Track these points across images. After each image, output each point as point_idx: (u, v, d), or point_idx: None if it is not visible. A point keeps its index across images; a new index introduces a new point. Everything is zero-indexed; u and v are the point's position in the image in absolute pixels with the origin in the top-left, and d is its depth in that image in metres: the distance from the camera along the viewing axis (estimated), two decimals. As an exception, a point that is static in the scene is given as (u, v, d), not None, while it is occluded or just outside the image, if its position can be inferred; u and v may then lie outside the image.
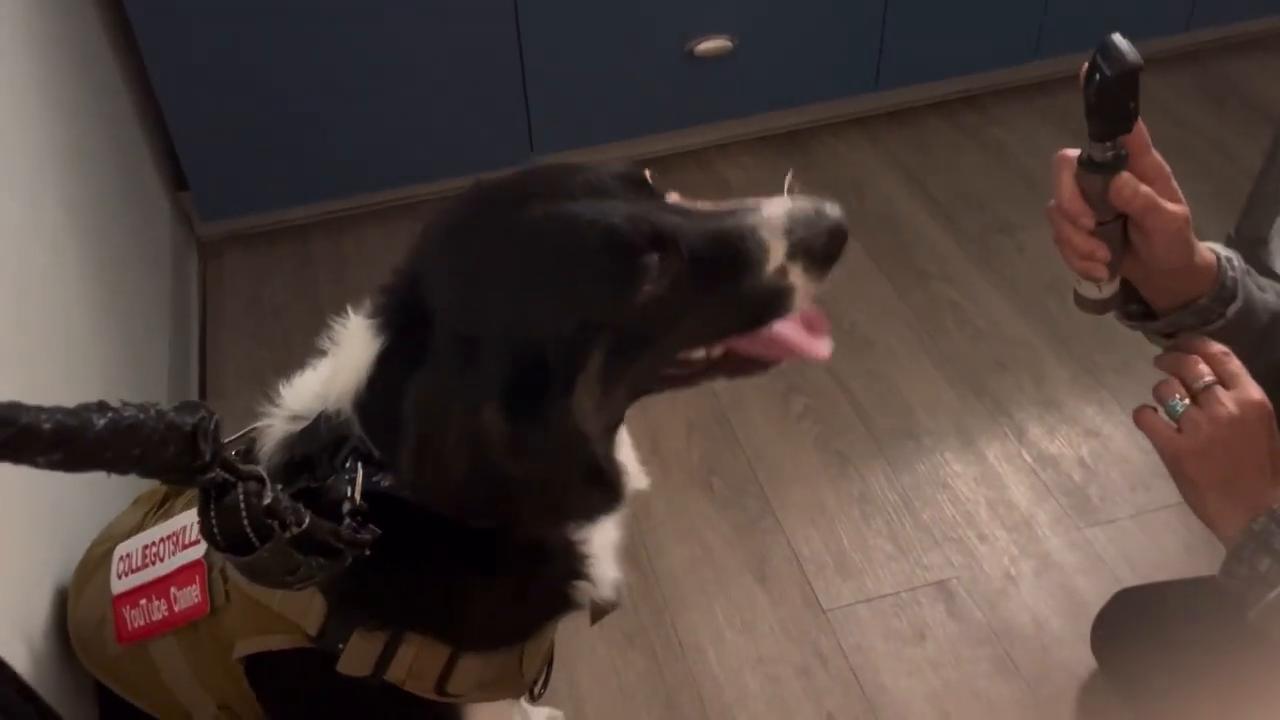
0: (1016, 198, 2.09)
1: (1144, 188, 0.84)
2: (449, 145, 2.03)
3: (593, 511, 0.79)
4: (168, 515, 0.90)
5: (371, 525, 0.68)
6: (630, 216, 0.71)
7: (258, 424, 0.81)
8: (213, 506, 0.60)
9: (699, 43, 2.02)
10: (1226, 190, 1.95)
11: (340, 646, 0.78)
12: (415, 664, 0.79)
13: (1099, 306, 0.94)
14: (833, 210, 0.75)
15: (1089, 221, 0.86)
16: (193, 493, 0.82)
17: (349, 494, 0.70)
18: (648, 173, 0.77)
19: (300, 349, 2.00)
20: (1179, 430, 0.86)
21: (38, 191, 1.26)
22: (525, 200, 0.73)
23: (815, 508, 1.54)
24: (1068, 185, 0.87)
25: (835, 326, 1.82)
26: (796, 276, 0.73)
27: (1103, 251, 0.87)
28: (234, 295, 1.96)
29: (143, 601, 0.85)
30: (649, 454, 1.62)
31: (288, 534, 0.62)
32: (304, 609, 0.78)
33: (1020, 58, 2.29)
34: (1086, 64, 0.81)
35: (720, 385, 1.71)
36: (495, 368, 0.68)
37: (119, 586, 0.86)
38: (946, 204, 2.08)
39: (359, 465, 0.72)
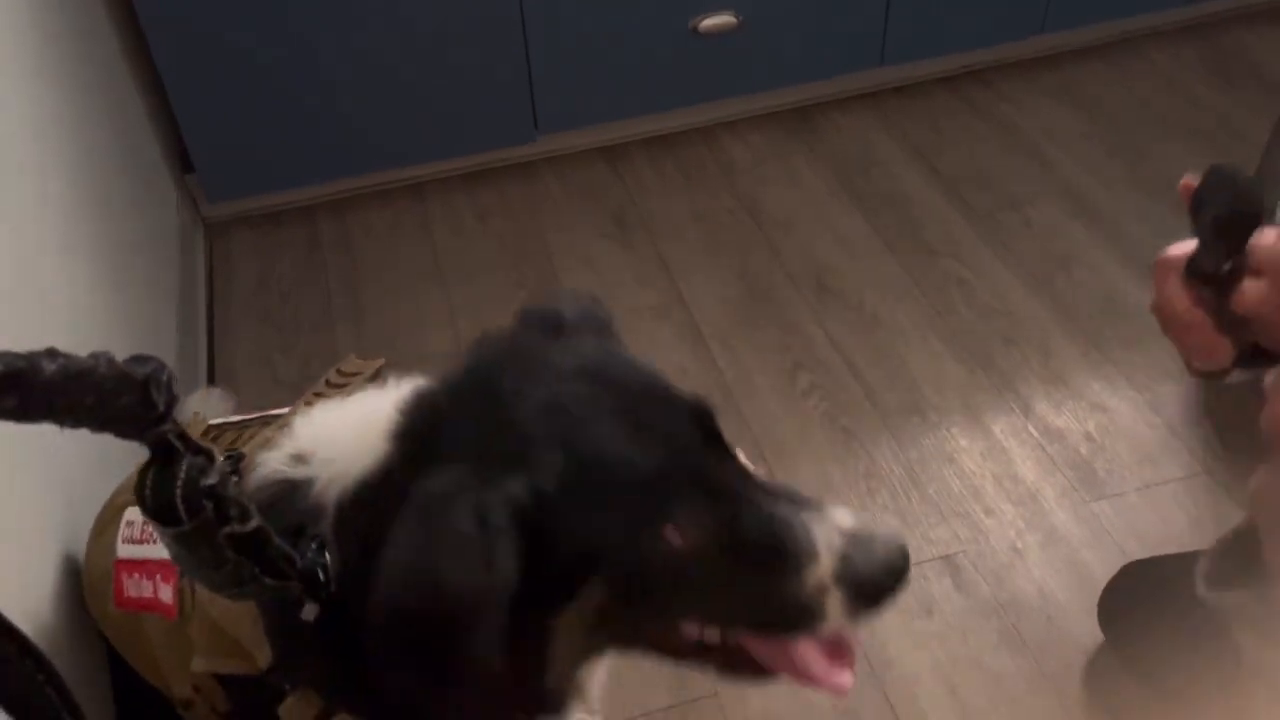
0: (1024, 173, 2.08)
1: (1265, 286, 0.75)
2: (454, 124, 2.03)
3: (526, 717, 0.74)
4: None
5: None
6: (683, 458, 0.66)
7: (274, 415, 0.80)
8: (153, 468, 0.58)
9: (703, 19, 2.01)
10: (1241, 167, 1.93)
11: (286, 688, 0.75)
12: None
13: (1219, 375, 0.90)
14: (898, 549, 0.68)
15: (1209, 328, 0.79)
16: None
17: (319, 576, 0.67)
18: (713, 411, 0.72)
19: (308, 329, 2.01)
20: None
21: (44, 177, 1.27)
22: (583, 376, 0.68)
23: (822, 483, 1.55)
24: (1178, 294, 0.80)
25: (841, 303, 1.83)
26: (834, 605, 0.67)
27: (1225, 347, 0.80)
28: (241, 277, 1.96)
29: (136, 575, 0.84)
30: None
31: (227, 529, 0.59)
32: (258, 642, 0.76)
33: (1027, 31, 2.27)
34: (1191, 183, 0.75)
35: (726, 361, 1.73)
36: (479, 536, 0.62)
37: (122, 551, 0.86)
38: (954, 180, 2.07)
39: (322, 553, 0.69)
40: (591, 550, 0.64)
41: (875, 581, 0.67)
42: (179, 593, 0.81)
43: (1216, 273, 0.77)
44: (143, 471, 0.58)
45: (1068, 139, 2.16)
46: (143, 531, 0.85)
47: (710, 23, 2.01)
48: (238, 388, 1.74)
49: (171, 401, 0.55)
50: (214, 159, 1.95)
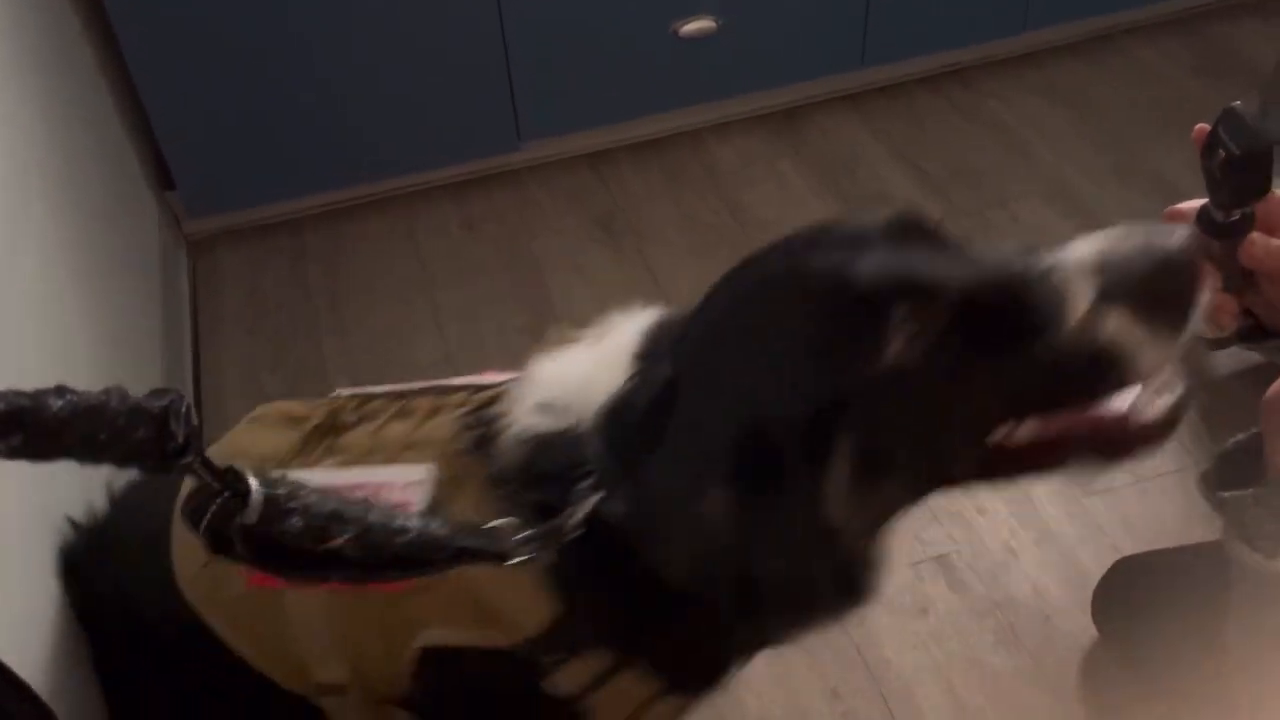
0: (1010, 171, 2.08)
1: (1275, 242, 0.76)
2: (436, 134, 2.03)
3: (835, 614, 0.70)
4: (336, 450, 0.83)
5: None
6: (873, 264, 0.61)
7: (504, 384, 0.78)
8: (193, 499, 0.58)
9: (683, 24, 2.00)
10: (1219, 156, 1.94)
11: (550, 658, 0.72)
12: (624, 694, 0.74)
13: (1221, 344, 0.89)
14: (1166, 239, 0.61)
15: (1215, 283, 0.77)
16: (380, 424, 0.82)
17: (571, 526, 0.66)
18: (928, 217, 0.68)
19: (295, 344, 2.00)
20: None
21: (23, 199, 1.25)
22: (770, 259, 0.68)
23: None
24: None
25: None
26: (1126, 331, 0.59)
27: (1230, 305, 0.80)
28: (226, 292, 1.95)
29: None
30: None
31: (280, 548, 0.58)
32: (526, 607, 0.72)
33: (1009, 29, 2.28)
34: (1204, 129, 0.75)
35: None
36: (724, 451, 0.62)
37: None
38: (940, 179, 2.07)
39: (589, 500, 0.67)
40: (820, 404, 0.60)
41: (1155, 284, 0.59)
42: None
43: (1226, 222, 0.76)
44: (186, 500, 0.58)
45: (1053, 135, 2.16)
46: None
47: (690, 28, 2.01)
48: (225, 404, 1.73)
49: (192, 433, 0.54)
50: (195, 175, 1.94)
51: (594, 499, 0.67)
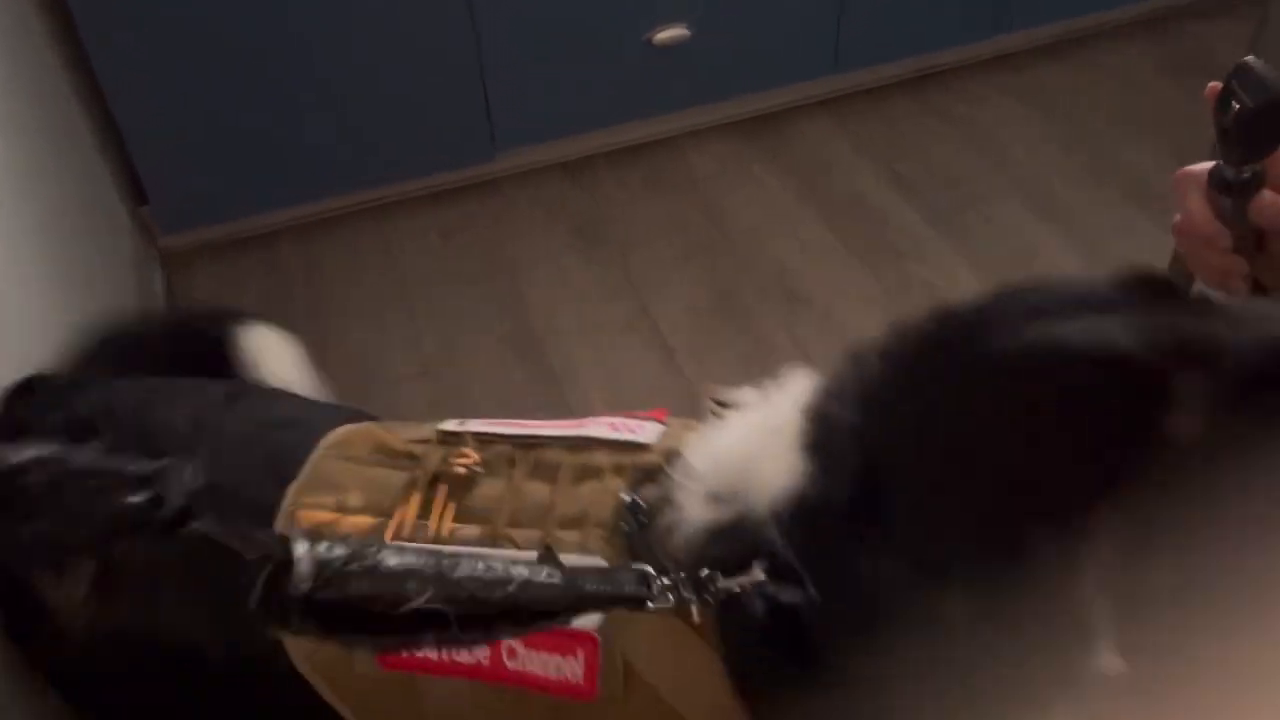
0: (984, 172, 2.09)
1: None
2: (411, 145, 2.02)
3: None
4: (467, 510, 0.74)
5: None
6: (1140, 327, 0.54)
7: (656, 451, 0.73)
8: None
9: (656, 32, 2.00)
10: (1190, 157, 1.93)
11: None
12: None
13: None
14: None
15: (1227, 242, 0.78)
16: (514, 480, 0.74)
17: (760, 618, 0.61)
18: (1158, 271, 0.63)
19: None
20: None
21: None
22: (993, 326, 0.59)
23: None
24: (1200, 206, 0.79)
25: (807, 309, 1.83)
26: None
27: (1241, 266, 0.80)
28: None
29: (515, 647, 0.70)
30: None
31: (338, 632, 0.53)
32: (710, 715, 0.66)
33: (981, 33, 2.29)
34: (1217, 86, 0.74)
35: (694, 371, 1.72)
36: (971, 568, 0.55)
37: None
38: (915, 182, 2.08)
39: (759, 572, 0.62)
40: (1081, 505, 0.52)
41: None
42: (599, 668, 0.68)
43: (1238, 179, 0.75)
44: (241, 572, 0.53)
45: (1025, 136, 2.17)
46: None
47: (663, 36, 2.01)
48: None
49: (195, 498, 0.49)
50: (168, 190, 1.92)
51: (760, 570, 0.63)
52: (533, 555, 0.63)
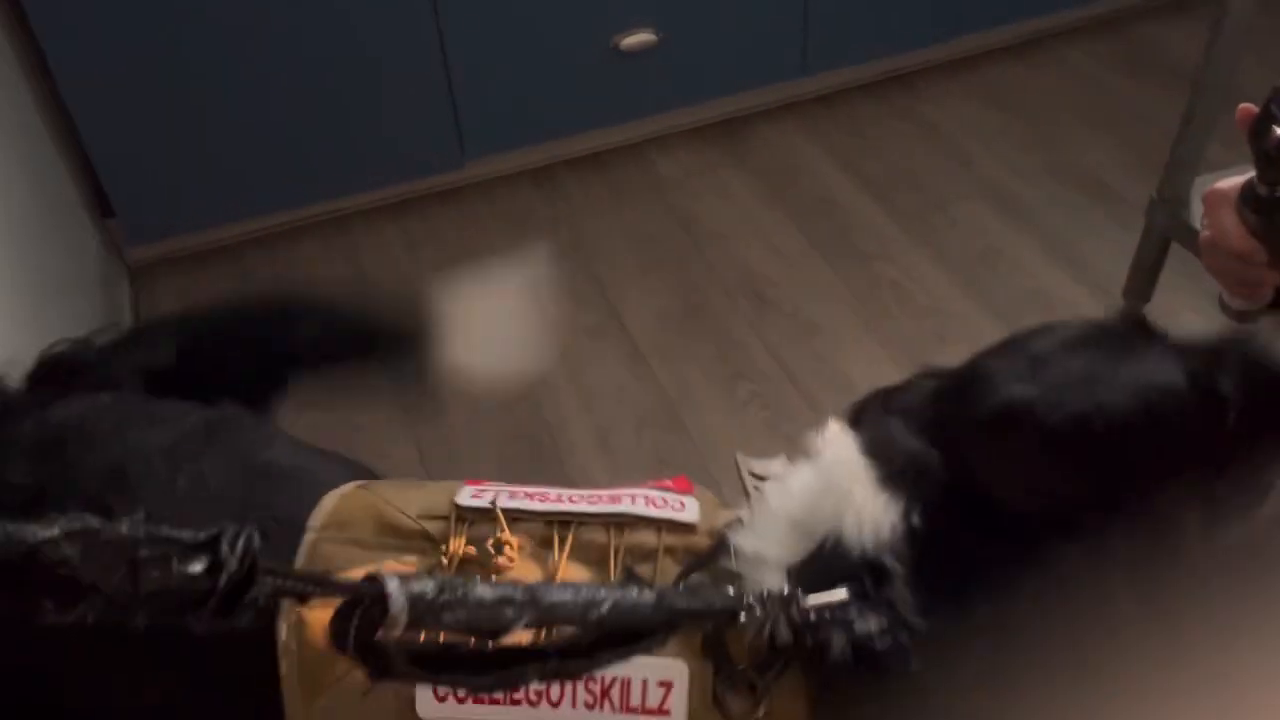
0: (948, 173, 2.11)
1: None
2: (380, 154, 2.01)
3: None
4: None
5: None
6: (1189, 357, 0.68)
7: (704, 523, 0.73)
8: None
9: (624, 37, 2.01)
10: (1150, 155, 1.98)
11: None
12: None
13: (1249, 316, 0.91)
14: None
15: (1263, 256, 0.80)
16: (557, 565, 0.70)
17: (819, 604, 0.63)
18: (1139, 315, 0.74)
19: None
20: None
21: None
22: (1089, 358, 0.70)
23: (768, 493, 1.55)
24: (1234, 223, 0.81)
25: (777, 312, 1.84)
26: None
27: (1272, 281, 0.83)
28: (169, 320, 1.92)
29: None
30: (597, 452, 1.62)
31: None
32: None
33: (942, 35, 2.31)
34: (1249, 109, 0.77)
35: (666, 376, 1.73)
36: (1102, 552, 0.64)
37: (453, 713, 0.67)
38: (881, 184, 2.10)
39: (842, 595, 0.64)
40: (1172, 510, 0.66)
41: None
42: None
43: (1272, 197, 0.77)
44: (329, 627, 0.50)
45: (989, 137, 2.19)
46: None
47: (630, 41, 2.02)
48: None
49: (253, 558, 0.44)
50: (134, 202, 1.91)
51: (846, 590, 0.64)
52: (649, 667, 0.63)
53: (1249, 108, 0.77)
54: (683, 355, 1.78)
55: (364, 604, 0.48)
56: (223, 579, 0.43)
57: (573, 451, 1.63)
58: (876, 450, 0.69)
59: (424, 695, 0.65)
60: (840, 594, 0.63)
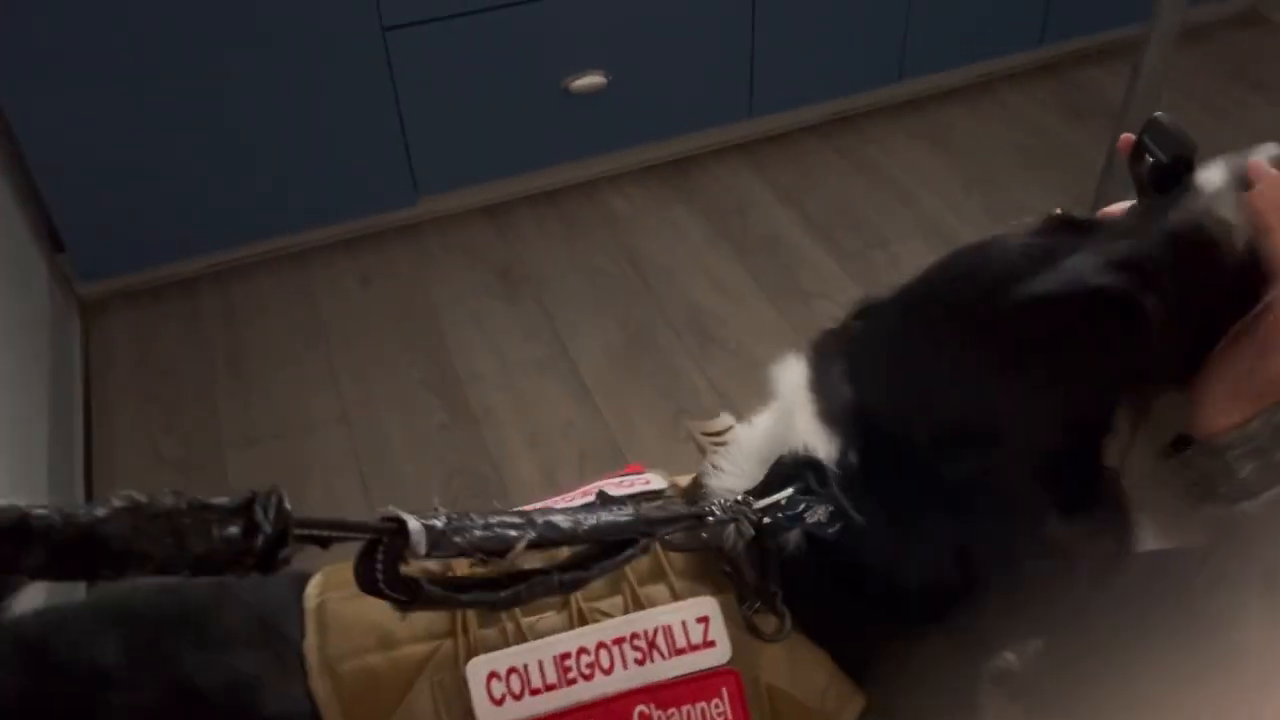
0: (890, 212, 2.16)
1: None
2: (333, 190, 2.04)
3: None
4: (544, 602, 0.69)
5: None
6: (1097, 262, 0.67)
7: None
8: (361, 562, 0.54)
9: (574, 79, 2.06)
10: (1086, 193, 2.05)
11: None
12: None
13: None
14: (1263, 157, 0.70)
15: None
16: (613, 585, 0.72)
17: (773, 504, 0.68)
18: (1060, 210, 0.74)
19: (191, 406, 1.97)
20: None
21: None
22: (986, 286, 0.70)
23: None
24: None
25: (720, 349, 1.88)
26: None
27: None
28: (120, 355, 1.93)
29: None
30: (542, 488, 1.64)
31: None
32: (839, 708, 0.70)
33: (887, 79, 2.38)
34: (1130, 137, 0.82)
35: (611, 411, 1.76)
36: (1030, 481, 0.66)
37: (516, 712, 0.66)
38: (825, 223, 2.15)
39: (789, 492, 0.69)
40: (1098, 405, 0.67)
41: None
42: (744, 698, 0.68)
43: None
44: (355, 572, 0.54)
45: (930, 178, 2.25)
46: (561, 672, 0.67)
47: (580, 83, 2.06)
48: (117, 470, 1.71)
49: (286, 520, 0.48)
50: (85, 236, 1.92)
51: (793, 490, 0.69)
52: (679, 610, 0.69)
53: (1129, 137, 0.83)
54: (628, 390, 1.81)
55: (385, 540, 0.53)
56: (259, 540, 0.47)
57: (518, 486, 1.65)
58: (816, 388, 0.74)
59: (482, 703, 0.65)
60: (786, 492, 0.69)
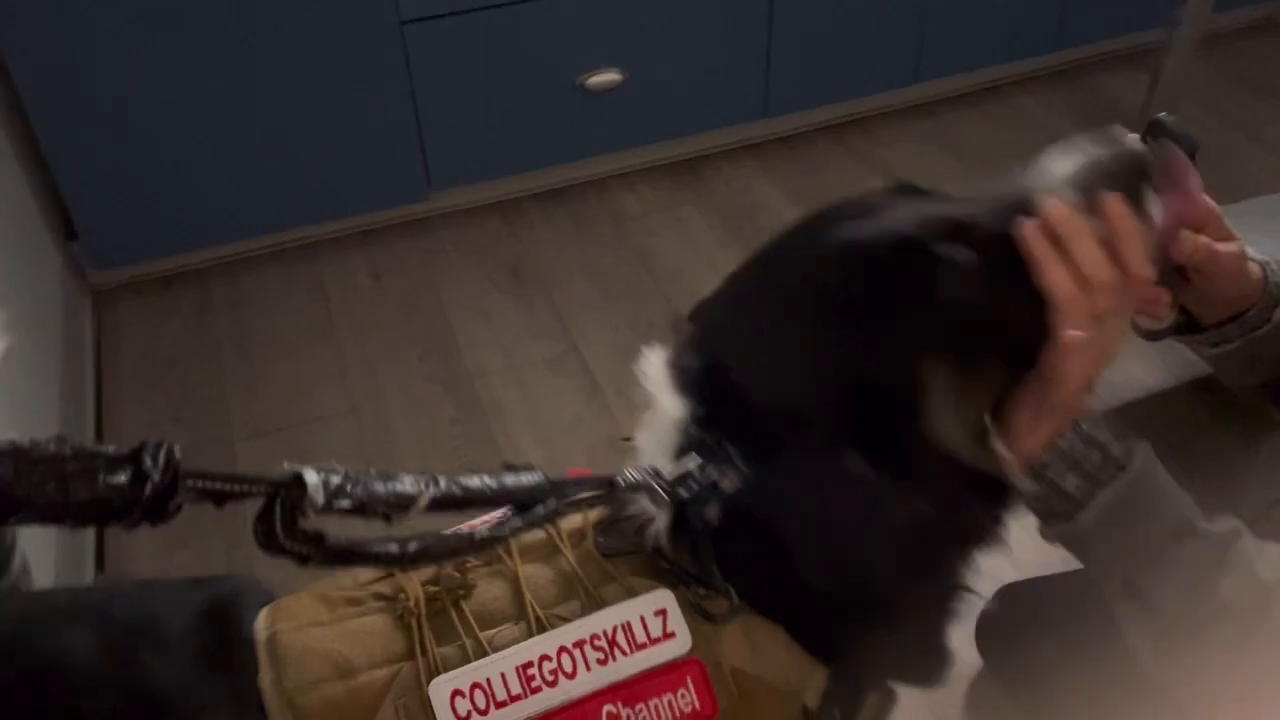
0: (903, 215, 2.16)
1: (1201, 239, 0.84)
2: (346, 183, 2.04)
3: (995, 529, 0.73)
4: (500, 616, 0.69)
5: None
6: (914, 217, 0.68)
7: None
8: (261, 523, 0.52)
9: (589, 76, 2.06)
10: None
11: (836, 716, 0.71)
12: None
13: (1156, 335, 0.96)
14: (1119, 141, 0.71)
15: (1153, 276, 0.84)
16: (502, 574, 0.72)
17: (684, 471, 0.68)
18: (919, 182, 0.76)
19: (201, 396, 1.97)
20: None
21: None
22: (795, 244, 0.72)
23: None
24: None
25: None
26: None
27: (1166, 297, 0.87)
28: (131, 345, 1.94)
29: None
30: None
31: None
32: (801, 680, 0.70)
33: (902, 81, 2.38)
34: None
35: (622, 411, 1.75)
36: (836, 430, 0.65)
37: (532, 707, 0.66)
38: (837, 224, 2.14)
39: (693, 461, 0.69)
40: (908, 354, 0.66)
41: (1122, 180, 0.70)
42: (710, 684, 0.69)
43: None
44: (255, 528, 0.52)
45: (940, 181, 2.22)
46: (524, 682, 0.66)
47: (596, 80, 2.06)
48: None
49: (176, 470, 0.47)
50: (99, 225, 1.93)
51: (695, 457, 0.70)
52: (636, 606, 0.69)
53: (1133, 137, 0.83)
54: (637, 387, 1.80)
55: (282, 493, 0.51)
56: (147, 488, 0.46)
57: (526, 481, 1.65)
58: (672, 365, 0.76)
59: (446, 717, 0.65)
60: (694, 460, 0.69)
